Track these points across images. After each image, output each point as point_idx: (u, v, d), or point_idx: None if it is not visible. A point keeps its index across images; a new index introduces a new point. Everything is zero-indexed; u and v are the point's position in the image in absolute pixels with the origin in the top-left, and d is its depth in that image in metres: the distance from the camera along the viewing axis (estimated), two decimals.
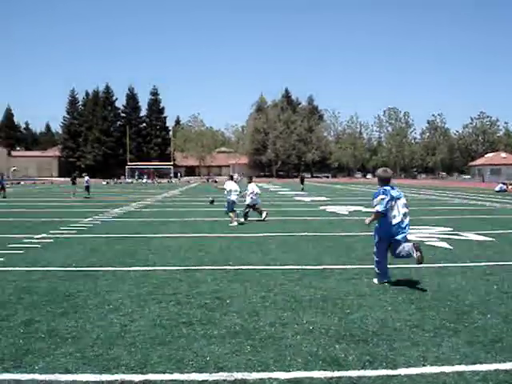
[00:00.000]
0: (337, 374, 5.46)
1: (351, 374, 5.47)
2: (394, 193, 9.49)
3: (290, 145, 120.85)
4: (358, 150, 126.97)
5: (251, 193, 21.55)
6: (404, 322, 7.27)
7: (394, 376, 5.41)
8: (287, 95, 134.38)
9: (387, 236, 9.49)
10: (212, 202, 26.94)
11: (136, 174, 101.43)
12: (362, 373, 5.49)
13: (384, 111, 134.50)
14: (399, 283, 9.62)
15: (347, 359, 5.87)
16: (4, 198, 39.68)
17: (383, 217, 9.42)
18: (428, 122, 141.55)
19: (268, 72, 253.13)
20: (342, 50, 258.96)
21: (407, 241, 9.45)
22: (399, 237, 9.37)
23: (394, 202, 9.41)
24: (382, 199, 9.37)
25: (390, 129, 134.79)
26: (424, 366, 5.67)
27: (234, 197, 20.62)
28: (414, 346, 6.26)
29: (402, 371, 5.51)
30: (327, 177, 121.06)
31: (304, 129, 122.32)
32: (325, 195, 43.62)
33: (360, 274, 10.46)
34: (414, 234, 16.40)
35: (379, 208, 9.38)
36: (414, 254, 9.01)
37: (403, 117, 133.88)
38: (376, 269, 9.72)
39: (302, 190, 53.42)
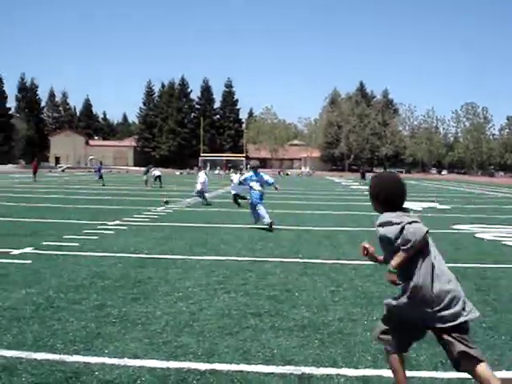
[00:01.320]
0: (407, 374, 5.29)
1: (422, 374, 5.29)
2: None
3: (363, 139, 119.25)
4: (434, 145, 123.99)
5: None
6: (479, 323, 6.98)
7: (466, 379, 5.19)
8: (362, 88, 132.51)
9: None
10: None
11: (201, 164, 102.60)
12: (433, 374, 5.31)
13: (462, 106, 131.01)
14: (475, 283, 9.29)
15: (418, 359, 5.69)
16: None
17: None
18: (508, 118, 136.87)
19: (342, 65, 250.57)
20: (418, 42, 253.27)
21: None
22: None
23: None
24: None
25: (467, 124, 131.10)
26: (499, 370, 5.43)
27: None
28: (489, 349, 6.00)
29: None
30: (401, 172, 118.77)
31: (378, 123, 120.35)
32: None
33: None
34: (492, 233, 15.87)
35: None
36: None
37: (481, 112, 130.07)
38: None
39: (365, 183, 53.30)
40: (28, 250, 11.59)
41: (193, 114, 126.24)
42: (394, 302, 4.34)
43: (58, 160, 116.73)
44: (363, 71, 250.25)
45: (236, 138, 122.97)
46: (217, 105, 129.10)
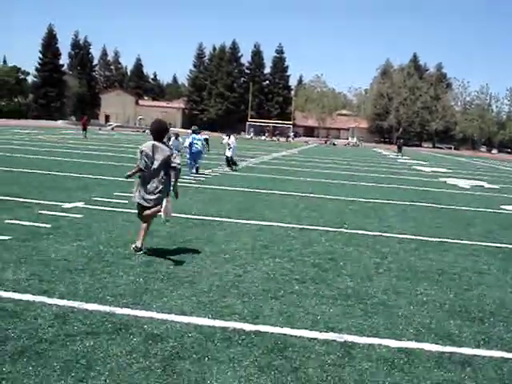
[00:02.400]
0: (449, 349, 5.32)
1: (464, 351, 5.30)
2: None
3: (413, 112, 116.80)
4: (486, 122, 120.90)
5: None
6: None
7: (509, 359, 5.20)
8: (415, 60, 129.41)
9: None
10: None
11: (251, 130, 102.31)
12: (475, 351, 5.32)
13: None
14: None
15: (461, 336, 5.69)
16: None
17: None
18: None
19: (396, 35, 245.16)
20: (476, 17, 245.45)
21: None
22: None
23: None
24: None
25: None
26: None
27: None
28: None
29: None
30: (450, 148, 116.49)
31: (430, 96, 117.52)
32: (446, 167, 42.14)
33: (479, 251, 10.07)
34: None
35: None
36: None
37: None
38: None
39: (402, 155, 56.83)
40: (79, 204, 11.88)
41: (242, 79, 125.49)
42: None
43: (107, 118, 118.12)
44: (418, 43, 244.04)
45: (284, 104, 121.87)
46: (267, 70, 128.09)
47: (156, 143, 8.30)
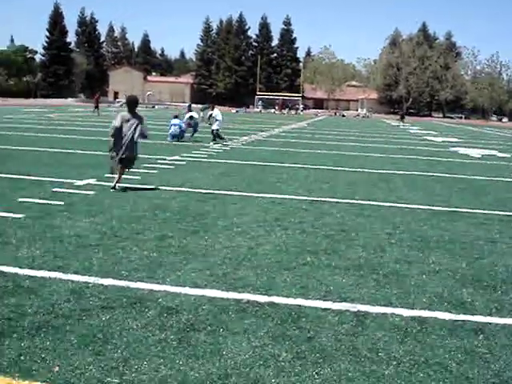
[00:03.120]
0: (462, 317, 5.34)
1: (477, 319, 5.32)
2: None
3: (423, 82, 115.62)
4: (496, 91, 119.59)
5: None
6: None
7: None
8: (424, 29, 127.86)
9: None
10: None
11: (260, 103, 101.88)
12: (488, 319, 5.33)
13: None
14: None
15: (474, 304, 5.71)
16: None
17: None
18: None
19: (405, 4, 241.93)
20: None
21: None
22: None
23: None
24: None
25: None
26: None
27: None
28: None
29: None
30: (460, 117, 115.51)
31: (439, 66, 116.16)
32: (457, 137, 41.88)
33: (492, 220, 10.06)
34: None
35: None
36: None
37: None
38: None
39: (401, 124, 59.54)
40: (91, 181, 11.95)
41: (250, 52, 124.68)
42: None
43: (116, 95, 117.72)
44: (426, 12, 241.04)
45: (293, 77, 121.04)
46: (274, 43, 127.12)
47: (128, 113, 11.47)
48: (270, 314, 5.12)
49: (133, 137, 11.28)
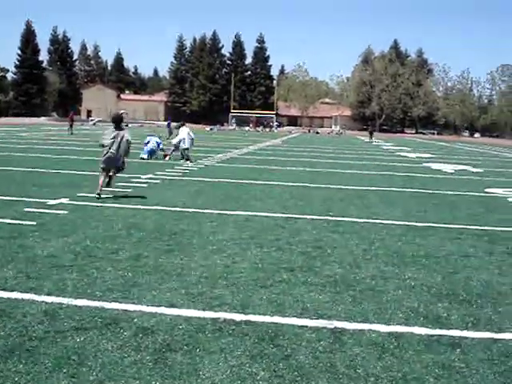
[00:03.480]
0: (438, 331, 5.36)
1: (453, 333, 5.34)
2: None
3: (395, 99, 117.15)
4: (468, 107, 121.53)
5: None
6: (510, 286, 7.01)
7: (498, 340, 5.24)
8: (396, 47, 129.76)
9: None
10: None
11: (233, 121, 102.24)
12: (464, 333, 5.35)
13: (497, 68, 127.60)
14: (507, 247, 9.26)
15: (449, 318, 5.74)
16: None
17: None
18: None
19: (376, 22, 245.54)
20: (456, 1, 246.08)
21: None
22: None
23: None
24: None
25: (502, 87, 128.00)
26: None
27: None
28: None
29: (508, 336, 5.33)
30: (433, 133, 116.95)
31: (412, 83, 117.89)
32: (430, 152, 42.39)
33: (465, 234, 10.15)
34: None
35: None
36: None
37: None
38: None
39: (370, 141, 60.36)
40: (64, 200, 11.81)
41: (224, 70, 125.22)
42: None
43: (89, 113, 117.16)
44: (398, 29, 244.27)
45: (267, 94, 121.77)
46: (248, 61, 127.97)
47: (114, 130, 12.99)
48: (246, 333, 5.08)
49: (118, 152, 12.74)
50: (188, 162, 22.25)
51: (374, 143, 58.18)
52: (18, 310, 5.41)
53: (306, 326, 5.31)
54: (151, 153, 23.64)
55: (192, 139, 23.02)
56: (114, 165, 12.87)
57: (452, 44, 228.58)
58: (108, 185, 12.97)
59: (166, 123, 34.28)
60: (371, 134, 65.20)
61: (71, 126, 46.98)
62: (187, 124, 24.72)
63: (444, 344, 5.06)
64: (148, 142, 24.02)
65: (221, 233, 9.28)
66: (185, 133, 22.78)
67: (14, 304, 5.56)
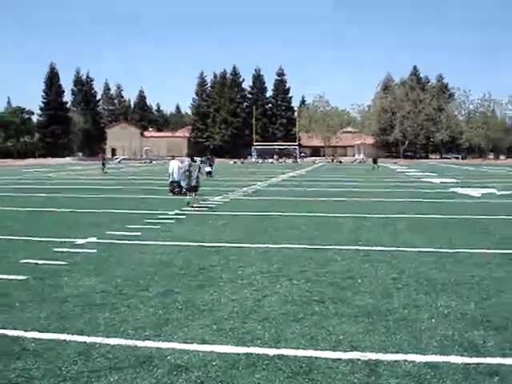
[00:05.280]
0: (475, 360, 5.27)
1: (490, 361, 5.24)
2: None
3: (418, 124, 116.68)
4: (491, 129, 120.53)
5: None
6: None
7: None
8: (415, 73, 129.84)
9: None
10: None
11: (255, 154, 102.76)
12: (502, 360, 5.26)
13: None
14: None
15: (486, 346, 5.64)
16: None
17: None
18: None
19: (395, 49, 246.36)
20: (473, 26, 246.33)
21: None
22: None
23: None
24: None
25: None
26: None
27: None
28: None
29: None
30: (457, 158, 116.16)
31: (433, 108, 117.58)
32: (455, 177, 42.02)
33: (497, 259, 10.01)
34: None
35: None
36: None
37: None
38: None
39: (374, 169, 57.50)
40: (93, 239, 11.92)
41: (245, 104, 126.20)
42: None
43: (114, 152, 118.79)
44: (417, 56, 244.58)
45: (288, 126, 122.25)
46: (269, 93, 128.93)
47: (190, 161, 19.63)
48: (280, 367, 5.05)
49: (197, 175, 18.98)
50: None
51: (398, 170, 57.86)
52: (51, 350, 5.45)
53: (340, 359, 5.26)
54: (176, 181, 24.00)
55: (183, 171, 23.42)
56: (196, 184, 18.98)
57: (472, 68, 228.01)
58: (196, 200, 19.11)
59: (189, 158, 34.61)
60: (375, 160, 64.26)
61: (103, 164, 48.17)
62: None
63: (482, 372, 4.97)
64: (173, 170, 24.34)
65: (249, 266, 9.28)
66: (174, 166, 23.94)
67: (48, 345, 5.60)
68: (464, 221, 15.37)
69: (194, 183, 18.98)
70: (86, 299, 7.25)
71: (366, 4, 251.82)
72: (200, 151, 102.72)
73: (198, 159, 22.30)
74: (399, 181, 36.70)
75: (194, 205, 18.57)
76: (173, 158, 25.05)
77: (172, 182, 24.18)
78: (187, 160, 21.14)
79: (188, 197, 19.32)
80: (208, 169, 38.63)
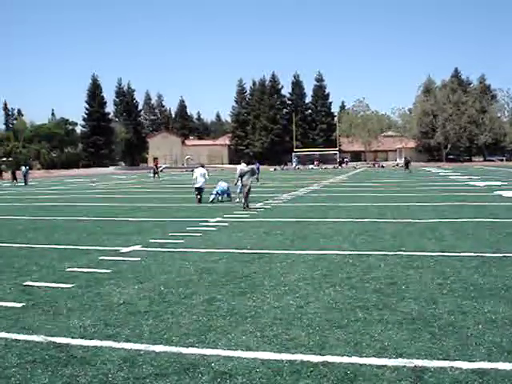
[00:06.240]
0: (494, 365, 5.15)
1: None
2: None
3: (460, 127, 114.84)
4: None
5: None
6: None
7: None
8: (457, 75, 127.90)
9: None
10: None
11: (295, 160, 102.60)
12: None
13: None
14: None
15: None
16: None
17: None
18: None
19: (436, 51, 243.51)
20: None
21: None
22: None
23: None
24: None
25: None
26: None
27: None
28: None
29: None
30: (502, 160, 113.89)
31: (475, 110, 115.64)
32: (500, 180, 41.20)
33: None
34: None
35: None
36: None
37: None
38: None
39: (409, 172, 57.86)
40: (136, 247, 12.09)
41: (284, 110, 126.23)
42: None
43: (155, 160, 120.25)
44: (458, 57, 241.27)
45: (328, 132, 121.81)
46: (308, 99, 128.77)
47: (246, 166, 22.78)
48: (325, 375, 5.02)
49: (248, 178, 21.32)
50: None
51: (441, 173, 57.05)
52: (97, 357, 5.54)
53: (386, 366, 5.20)
54: (220, 193, 24.92)
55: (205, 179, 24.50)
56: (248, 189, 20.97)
57: None
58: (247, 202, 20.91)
59: (230, 166, 35.91)
60: (407, 164, 63.33)
61: (156, 173, 49.84)
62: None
63: None
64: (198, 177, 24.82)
65: (292, 273, 9.26)
66: (197, 173, 24.54)
67: (94, 352, 5.69)
68: (509, 224, 15.04)
69: (247, 188, 21.06)
70: (131, 307, 7.35)
71: (405, 5, 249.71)
72: (240, 158, 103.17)
73: (253, 166, 25.35)
74: (442, 184, 36.16)
75: (249, 205, 20.98)
76: (202, 166, 25.72)
77: (197, 189, 24.57)
78: (243, 165, 23.17)
79: (242, 200, 21.50)
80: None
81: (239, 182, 22.42)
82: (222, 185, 25.36)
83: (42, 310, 7.31)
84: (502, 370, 5.06)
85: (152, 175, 50.80)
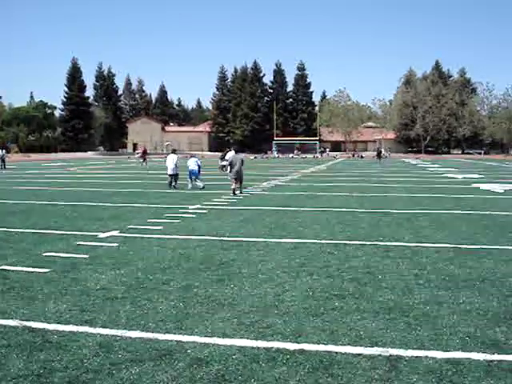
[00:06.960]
0: (497, 357, 5.22)
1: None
2: None
3: (440, 119, 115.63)
4: None
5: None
6: None
7: None
8: (438, 67, 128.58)
9: None
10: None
11: (275, 148, 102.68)
12: None
13: None
14: None
15: (508, 343, 5.58)
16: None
17: None
18: None
19: (417, 43, 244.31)
20: (496, 19, 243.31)
21: None
22: None
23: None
24: None
25: None
26: None
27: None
28: None
29: None
30: (480, 153, 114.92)
31: (455, 103, 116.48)
32: (478, 172, 41.61)
33: None
34: None
35: None
36: None
37: None
38: None
39: (380, 162, 59.63)
40: (114, 233, 12.02)
41: (266, 98, 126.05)
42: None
43: (135, 146, 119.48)
44: (439, 50, 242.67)
45: (309, 121, 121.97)
46: (289, 88, 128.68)
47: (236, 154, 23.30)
48: (300, 362, 5.05)
49: (240, 166, 21.51)
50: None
51: (420, 165, 57.47)
52: (73, 342, 5.51)
53: (361, 354, 5.24)
54: (193, 173, 24.79)
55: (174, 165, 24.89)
56: (240, 174, 21.48)
57: (494, 62, 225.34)
58: (240, 188, 21.64)
59: (210, 153, 36.23)
60: (379, 155, 64.37)
61: (144, 159, 49.99)
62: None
63: (504, 369, 4.93)
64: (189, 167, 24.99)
65: (270, 261, 9.28)
66: (169, 160, 25.19)
67: (70, 337, 5.66)
68: (486, 217, 15.21)
69: (237, 174, 21.46)
70: (108, 292, 7.32)
71: None
72: (221, 145, 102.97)
73: (243, 154, 25.00)
74: (420, 176, 36.44)
75: (236, 192, 21.30)
76: (174, 152, 26.71)
77: (170, 175, 24.93)
78: (233, 152, 24.49)
79: (232, 186, 21.50)
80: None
81: (229, 169, 22.46)
82: (192, 165, 24.82)
83: (17, 295, 7.24)
84: (476, 360, 5.13)
85: (141, 161, 50.85)
